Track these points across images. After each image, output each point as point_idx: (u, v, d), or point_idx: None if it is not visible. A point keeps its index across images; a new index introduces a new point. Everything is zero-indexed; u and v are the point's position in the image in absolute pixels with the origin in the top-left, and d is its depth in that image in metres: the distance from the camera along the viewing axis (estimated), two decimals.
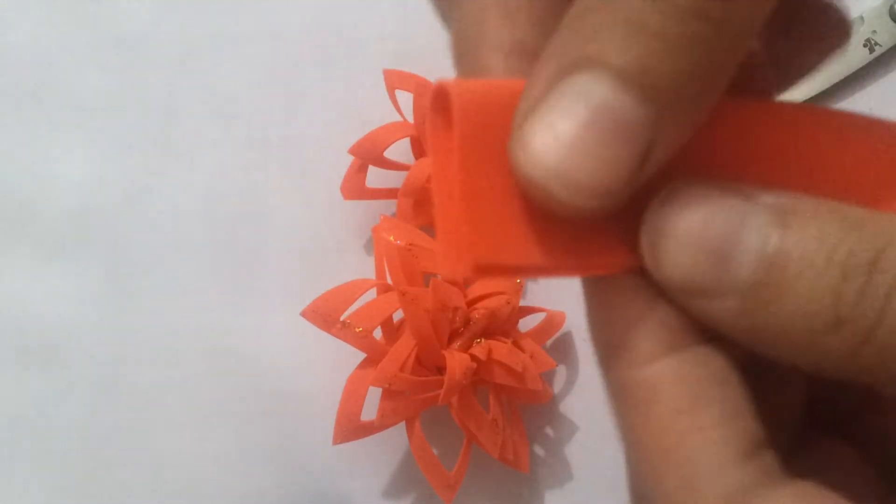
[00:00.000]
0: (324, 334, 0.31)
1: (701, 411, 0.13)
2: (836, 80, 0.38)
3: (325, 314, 0.30)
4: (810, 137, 0.15)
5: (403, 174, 0.34)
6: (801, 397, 0.18)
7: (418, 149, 0.35)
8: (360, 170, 0.35)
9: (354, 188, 0.35)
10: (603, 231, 0.14)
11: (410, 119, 0.35)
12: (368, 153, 0.34)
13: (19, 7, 0.38)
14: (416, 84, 0.34)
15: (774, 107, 0.15)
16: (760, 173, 0.14)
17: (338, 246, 0.37)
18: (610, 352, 0.14)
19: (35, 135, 0.37)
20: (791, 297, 0.13)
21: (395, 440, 0.34)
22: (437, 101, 0.14)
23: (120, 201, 0.37)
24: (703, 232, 0.13)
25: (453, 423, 0.32)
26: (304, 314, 0.30)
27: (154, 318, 0.36)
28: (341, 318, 0.30)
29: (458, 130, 0.13)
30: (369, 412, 0.31)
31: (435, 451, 0.32)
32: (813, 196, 0.13)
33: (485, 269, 0.13)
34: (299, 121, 0.38)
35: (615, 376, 0.14)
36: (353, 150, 0.34)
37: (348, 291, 0.31)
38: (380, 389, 0.30)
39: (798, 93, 0.38)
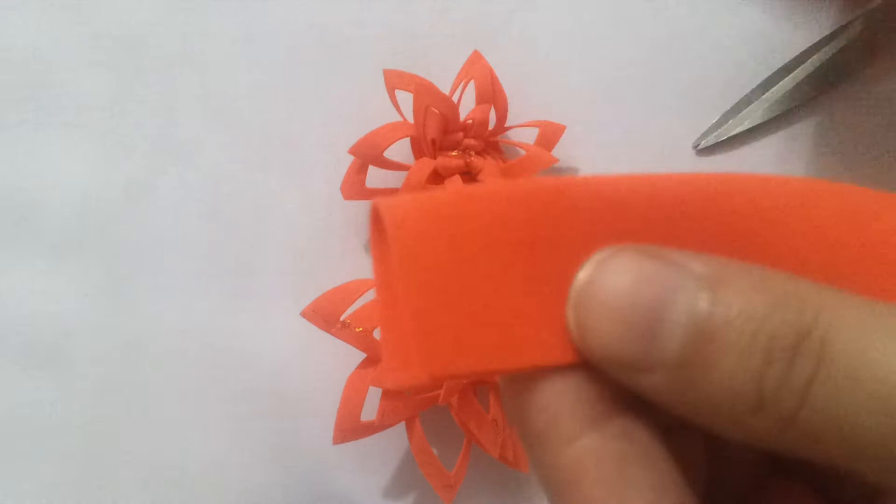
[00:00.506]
0: (324, 334, 0.31)
1: (627, 491, 0.13)
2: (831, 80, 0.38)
3: (325, 314, 0.30)
4: (749, 203, 0.15)
5: (403, 174, 0.34)
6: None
7: (418, 149, 0.35)
8: (360, 170, 0.35)
9: (354, 188, 0.35)
10: (558, 327, 0.14)
11: (410, 119, 0.35)
12: (368, 153, 0.34)
13: (18, 7, 0.38)
14: (416, 84, 0.34)
15: (719, 177, 0.15)
16: (694, 240, 0.14)
17: (338, 246, 0.37)
18: (534, 435, 0.14)
19: (35, 135, 0.37)
20: (716, 377, 0.12)
21: (395, 440, 0.34)
22: (374, 219, 0.14)
23: (120, 201, 0.37)
24: (630, 303, 0.13)
25: (453, 423, 0.32)
26: (304, 314, 0.30)
27: (154, 318, 0.36)
28: (341, 318, 0.30)
29: (396, 250, 0.13)
30: (369, 412, 0.31)
31: (435, 451, 0.32)
32: (744, 262, 0.13)
33: (439, 378, 0.13)
34: (299, 121, 0.38)
35: (539, 459, 0.14)
36: (353, 150, 0.34)
37: (348, 291, 0.31)
38: (380, 389, 0.30)
39: (789, 81, 0.38)
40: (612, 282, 0.13)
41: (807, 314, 0.12)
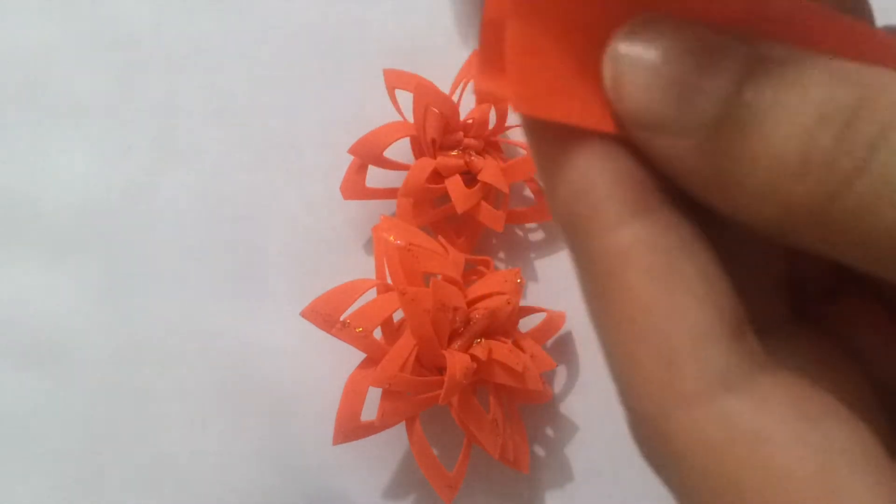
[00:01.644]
0: (324, 334, 0.31)
1: (676, 282, 0.12)
2: None
3: (325, 314, 0.30)
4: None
5: (403, 174, 0.34)
6: (777, 277, 0.16)
7: (418, 148, 0.35)
8: (360, 170, 0.35)
9: (354, 188, 0.35)
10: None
11: (410, 119, 0.35)
12: (368, 153, 0.34)
13: (19, 7, 0.38)
14: (416, 84, 0.34)
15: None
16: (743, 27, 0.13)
17: (338, 246, 0.37)
18: (573, 219, 0.13)
19: (35, 135, 0.37)
20: (756, 138, 0.11)
21: (395, 440, 0.34)
22: None
23: (120, 201, 0.37)
24: (671, 61, 0.12)
25: (453, 423, 0.32)
26: (303, 314, 0.30)
27: (154, 318, 0.36)
28: (341, 318, 0.30)
29: None
30: (369, 412, 0.31)
31: (435, 451, 0.32)
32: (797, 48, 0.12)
33: (524, 110, 0.13)
34: (299, 121, 0.38)
35: (581, 248, 0.13)
36: (353, 150, 0.34)
37: (348, 291, 0.31)
38: (380, 389, 0.30)
39: None
40: (654, 34, 0.12)
41: (871, 82, 0.11)
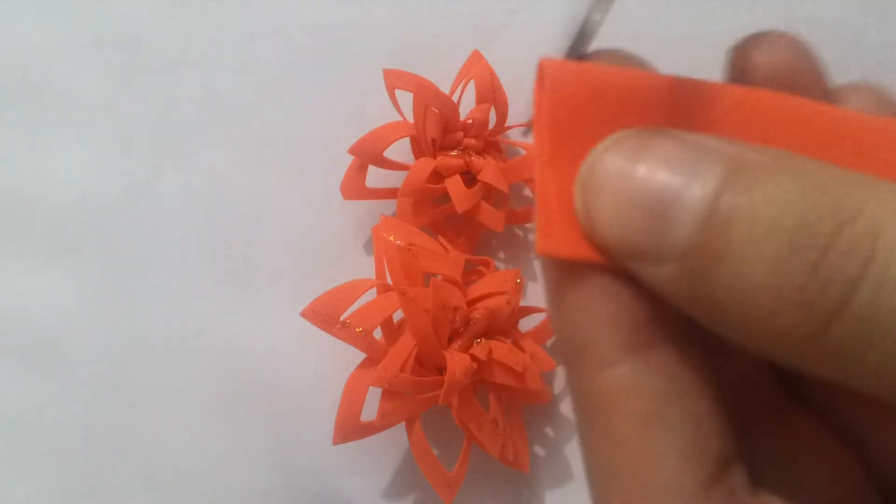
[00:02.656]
0: (324, 334, 0.31)
1: (660, 431, 0.12)
2: None
3: (325, 314, 0.30)
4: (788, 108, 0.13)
5: (403, 174, 0.34)
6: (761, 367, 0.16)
7: (418, 148, 0.35)
8: (360, 170, 0.35)
9: (354, 188, 0.35)
10: None
11: (410, 119, 0.35)
12: (368, 153, 0.34)
13: (19, 7, 0.38)
14: (416, 84, 0.34)
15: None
16: (723, 124, 0.13)
17: (338, 246, 0.37)
18: (570, 353, 0.13)
19: (34, 135, 0.37)
20: (728, 269, 0.11)
21: (395, 440, 0.34)
22: (538, 79, 0.13)
23: (119, 201, 0.37)
24: (639, 185, 0.11)
25: (453, 423, 0.32)
26: (303, 314, 0.30)
27: (154, 318, 0.36)
28: (341, 318, 0.30)
29: (546, 115, 0.12)
30: (369, 412, 0.31)
31: (435, 451, 0.32)
32: (775, 148, 0.11)
33: (551, 256, 0.12)
34: (299, 121, 0.38)
35: (575, 380, 0.13)
36: (353, 150, 0.34)
37: (348, 291, 0.31)
38: (380, 389, 0.30)
39: None
40: (621, 161, 0.12)
41: (850, 201, 0.10)
